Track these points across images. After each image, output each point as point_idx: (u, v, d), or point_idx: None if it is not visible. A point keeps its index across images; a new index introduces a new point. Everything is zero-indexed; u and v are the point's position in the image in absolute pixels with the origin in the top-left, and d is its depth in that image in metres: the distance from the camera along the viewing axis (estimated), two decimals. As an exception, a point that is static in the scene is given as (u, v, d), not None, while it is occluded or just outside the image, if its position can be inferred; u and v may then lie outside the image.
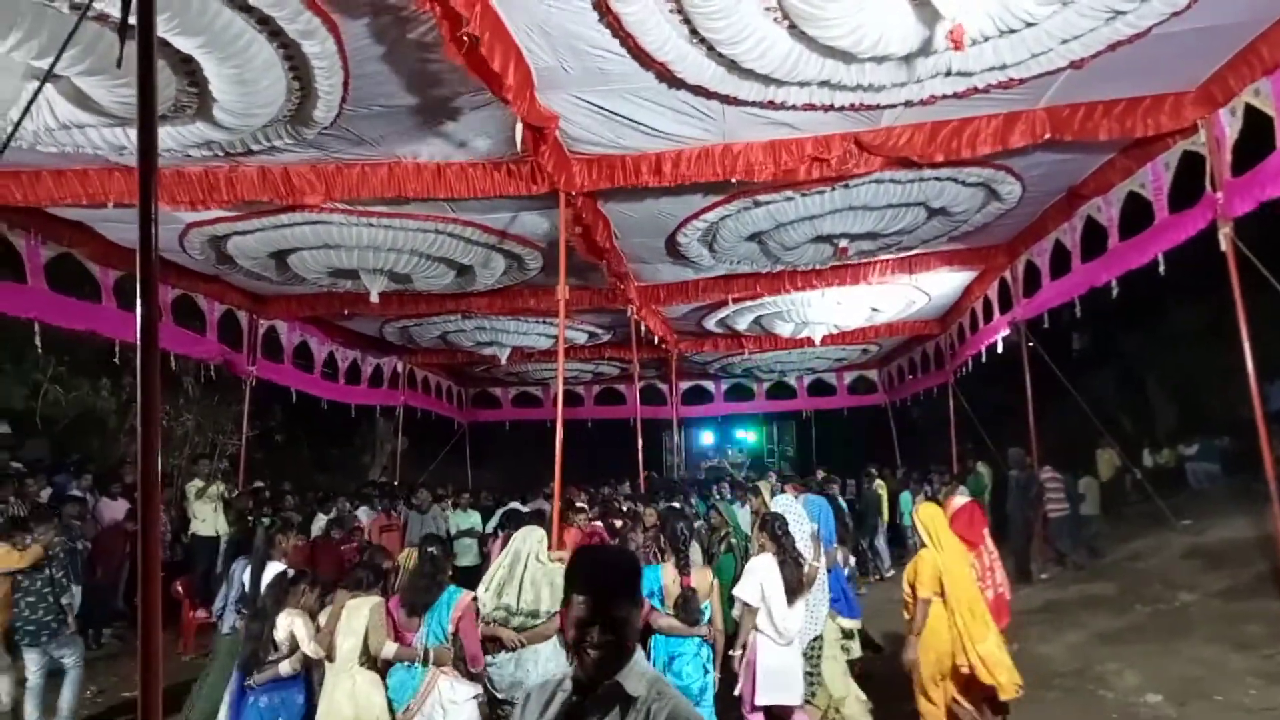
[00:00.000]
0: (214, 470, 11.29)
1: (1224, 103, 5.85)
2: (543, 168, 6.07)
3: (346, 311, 11.14)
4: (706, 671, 5.25)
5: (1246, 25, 5.25)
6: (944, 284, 11.46)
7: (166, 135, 5.63)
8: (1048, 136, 6.11)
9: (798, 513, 6.29)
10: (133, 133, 5.45)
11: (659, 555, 5.91)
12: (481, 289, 10.16)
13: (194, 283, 9.66)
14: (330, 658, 4.84)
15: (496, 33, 4.59)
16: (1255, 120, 5.64)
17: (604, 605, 1.92)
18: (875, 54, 5.07)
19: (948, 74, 5.50)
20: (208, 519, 10.04)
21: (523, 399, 19.55)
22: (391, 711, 4.79)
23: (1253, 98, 5.62)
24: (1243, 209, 5.96)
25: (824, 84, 5.57)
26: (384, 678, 4.89)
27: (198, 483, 10.19)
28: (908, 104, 5.92)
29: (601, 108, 5.83)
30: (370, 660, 4.84)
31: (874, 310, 12.58)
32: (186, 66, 4.80)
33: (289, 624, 4.91)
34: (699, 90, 5.62)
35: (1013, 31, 4.97)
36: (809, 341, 13.13)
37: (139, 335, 1.95)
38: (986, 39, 5.04)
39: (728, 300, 11.26)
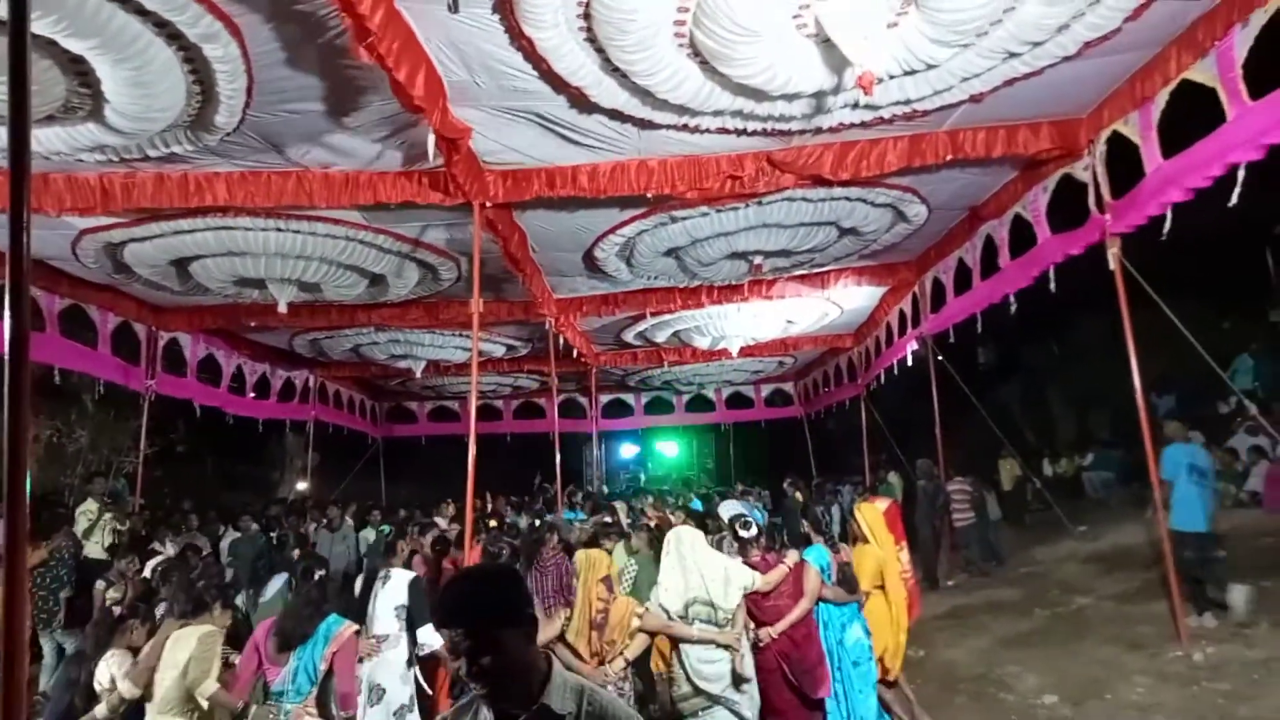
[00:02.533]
0: (107, 490, 10.75)
1: (1107, 129, 6.23)
2: (456, 179, 6.00)
3: (253, 323, 10.78)
4: (868, 634, 5.66)
5: (1126, 61, 5.61)
6: (856, 298, 11.75)
7: (55, 137, 5.38)
8: (950, 157, 6.37)
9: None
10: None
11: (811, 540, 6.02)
12: (395, 300, 9.97)
13: (86, 293, 9.19)
14: (147, 697, 4.21)
15: (407, 44, 4.53)
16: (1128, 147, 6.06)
17: (475, 632, 1.78)
18: (786, 92, 5.24)
19: (855, 106, 5.75)
20: (102, 542, 9.53)
21: (439, 413, 19.24)
22: None
23: (1122, 126, 6.03)
24: (1124, 228, 6.35)
25: (737, 113, 5.73)
26: None
27: (88, 513, 9.64)
28: (818, 130, 6.13)
29: (516, 122, 5.81)
30: (193, 705, 4.20)
31: (789, 323, 12.81)
32: (77, 66, 4.59)
33: (107, 667, 4.33)
34: (614, 114, 5.68)
35: (916, 72, 5.20)
36: (726, 354, 13.29)
37: (8, 350, 1.83)
38: (892, 77, 5.29)
39: (646, 313, 11.33)
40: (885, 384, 13.37)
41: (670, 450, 25.07)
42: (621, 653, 4.78)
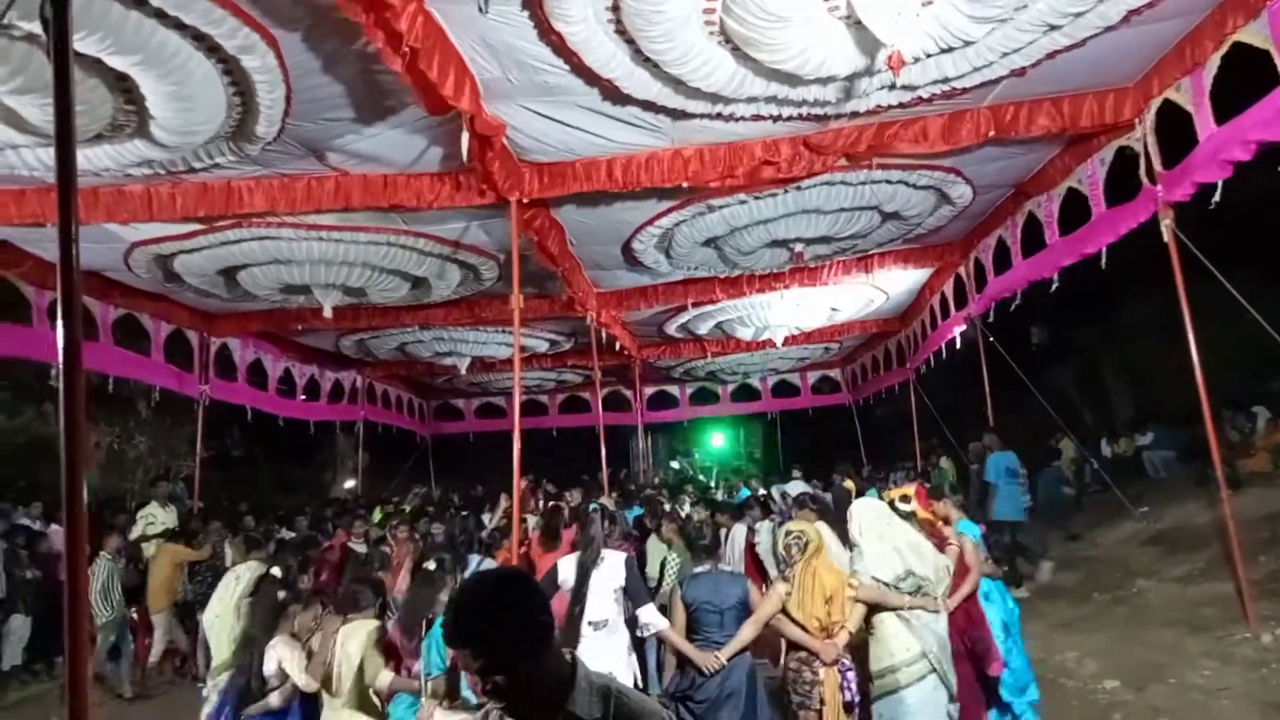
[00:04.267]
0: (169, 493, 11.04)
1: (1157, 98, 6.03)
2: (491, 176, 6.03)
3: (300, 327, 10.98)
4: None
5: (1174, 27, 5.43)
6: (901, 282, 11.59)
7: (105, 155, 5.53)
8: (992, 134, 6.22)
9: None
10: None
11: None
12: (438, 300, 10.08)
13: (139, 302, 9.46)
14: (328, 689, 4.36)
15: (439, 43, 4.56)
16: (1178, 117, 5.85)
17: (483, 652, 1.70)
18: (819, 76, 5.17)
19: (892, 87, 5.64)
20: (160, 544, 9.78)
21: (486, 409, 19.39)
22: None
23: (1174, 94, 5.83)
24: (1178, 197, 6.14)
25: (771, 99, 5.67)
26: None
27: (149, 517, 9.90)
28: (854, 114, 6.04)
29: (549, 117, 5.82)
30: (362, 694, 4.34)
31: (833, 310, 12.68)
32: (123, 84, 4.71)
33: (276, 655, 4.51)
34: (647, 105, 5.65)
35: (954, 49, 5.09)
36: (770, 343, 13.19)
37: (61, 358, 1.88)
38: (929, 56, 5.17)
39: (687, 305, 11.29)
40: (935, 368, 13.15)
41: (717, 441, 24.99)
42: (844, 625, 4.68)
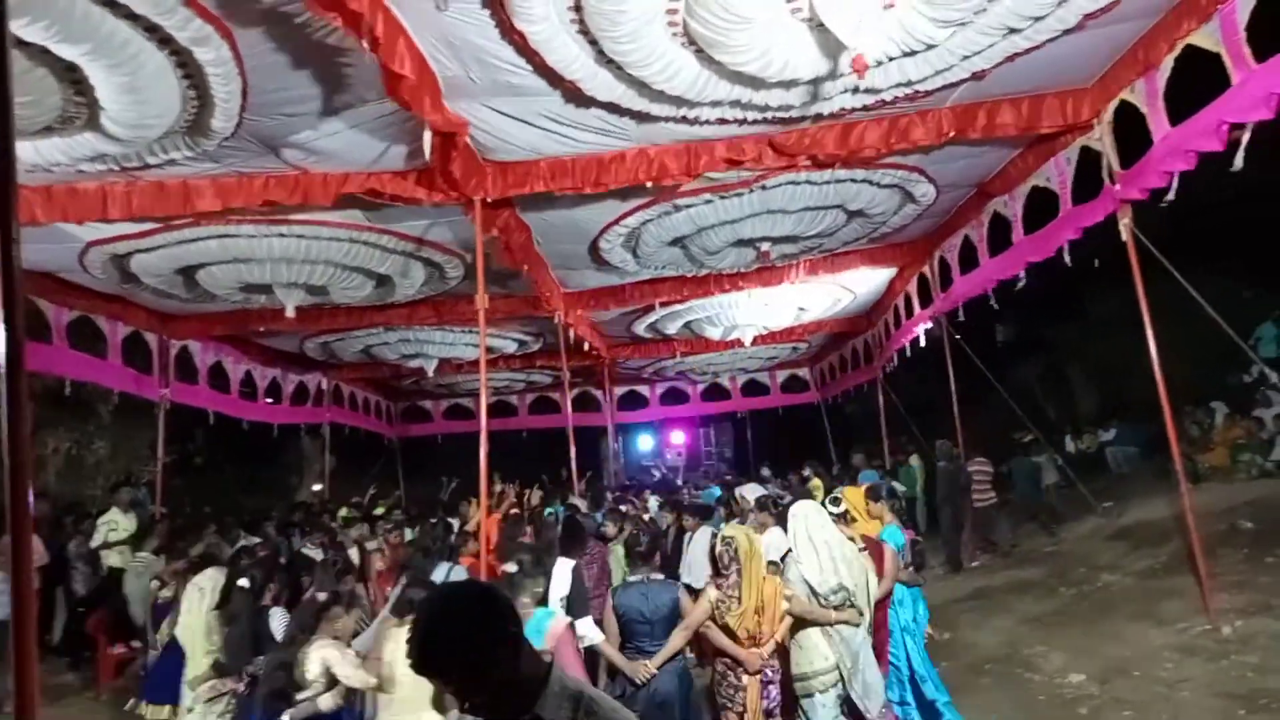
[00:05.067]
0: (132, 499, 10.80)
1: (1115, 99, 6.11)
2: (453, 176, 5.95)
3: (263, 328, 10.80)
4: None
5: (1129, 29, 5.51)
6: (868, 281, 11.65)
7: (55, 148, 5.39)
8: (953, 134, 6.27)
9: None
10: (23, 146, 5.22)
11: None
12: (402, 300, 9.96)
13: (95, 303, 9.23)
14: (384, 689, 4.28)
15: (397, 39, 4.48)
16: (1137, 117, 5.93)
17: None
18: (783, 79, 5.19)
19: (856, 90, 5.68)
20: (123, 552, 9.58)
21: (454, 411, 19.22)
22: None
23: (1129, 95, 5.91)
24: (1134, 196, 6.24)
25: (735, 103, 5.69)
26: None
27: (111, 523, 9.68)
28: (818, 116, 6.06)
29: (513, 117, 5.77)
30: (426, 694, 4.19)
31: (801, 309, 12.72)
32: (71, 75, 4.58)
33: (321, 657, 4.42)
34: (611, 107, 5.63)
35: (916, 52, 5.12)
36: (739, 343, 13.21)
37: (4, 364, 1.80)
38: (891, 59, 5.22)
39: (655, 305, 11.27)
40: (903, 366, 13.24)
41: (687, 440, 24.99)
42: (773, 634, 4.79)
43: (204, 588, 5.97)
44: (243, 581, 5.63)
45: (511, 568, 4.86)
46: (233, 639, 5.48)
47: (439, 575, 5.94)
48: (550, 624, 4.35)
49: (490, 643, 1.73)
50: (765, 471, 13.14)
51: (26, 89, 4.51)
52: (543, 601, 4.76)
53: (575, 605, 5.11)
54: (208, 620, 5.79)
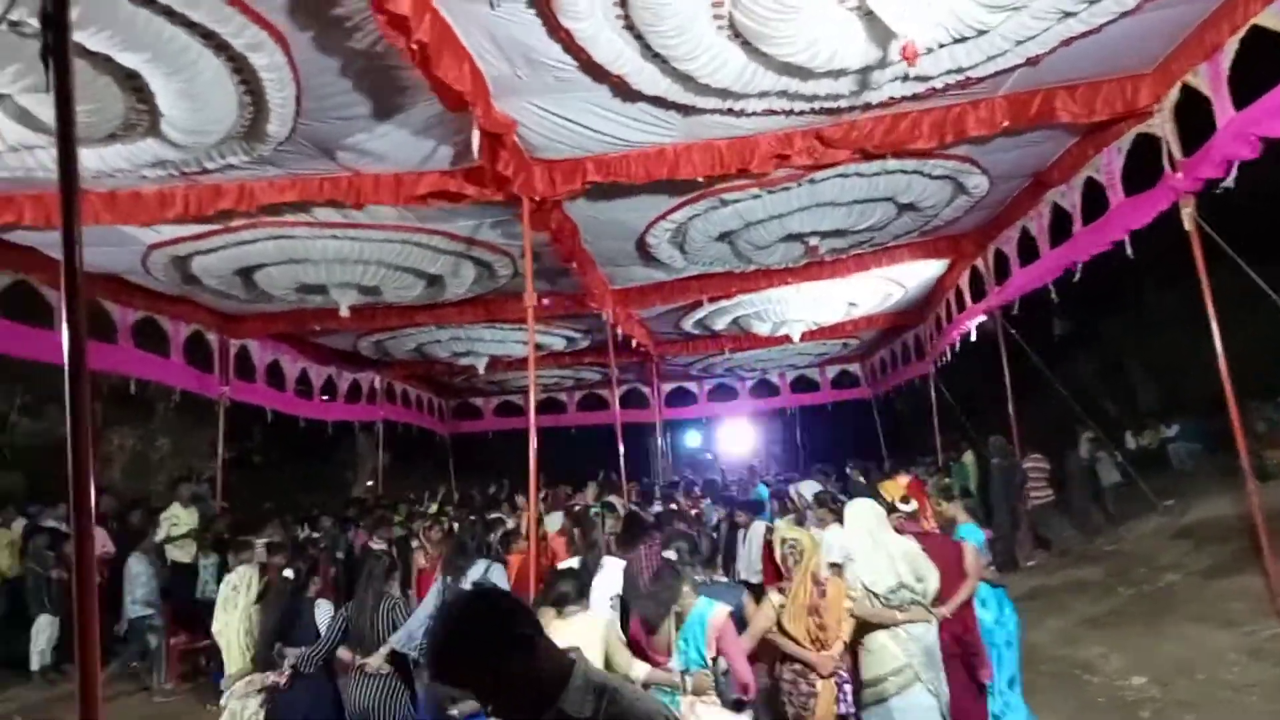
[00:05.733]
0: (193, 495, 11.13)
1: (1176, 84, 5.92)
2: (502, 175, 6.00)
3: (318, 327, 11.02)
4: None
5: (1191, 11, 5.32)
6: (918, 275, 11.47)
7: (118, 155, 5.56)
8: (1006, 123, 6.13)
9: None
10: (88, 153, 5.41)
11: None
12: (453, 298, 10.09)
13: (159, 304, 9.52)
14: None
15: (446, 40, 4.53)
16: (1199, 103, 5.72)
17: (462, 686, 1.83)
18: (831, 69, 5.12)
19: (905, 79, 5.56)
20: (185, 546, 9.88)
21: (505, 408, 19.40)
22: None
23: (1192, 79, 5.70)
24: (1197, 185, 6.04)
25: (782, 94, 5.63)
26: None
27: (172, 518, 9.99)
28: (868, 106, 5.98)
29: (559, 115, 5.79)
30: None
31: (851, 304, 12.59)
32: (133, 83, 4.72)
33: None
34: (657, 101, 5.62)
35: (967, 39, 5.02)
36: (788, 339, 13.11)
37: (66, 361, 1.87)
38: (942, 46, 5.11)
39: (703, 300, 11.25)
40: (957, 361, 12.98)
41: (736, 437, 24.90)
42: (839, 636, 4.70)
43: (238, 585, 6.00)
44: (287, 572, 5.72)
45: (671, 554, 4.78)
46: (269, 630, 5.53)
47: (476, 573, 5.96)
48: (711, 615, 4.26)
49: (500, 647, 1.77)
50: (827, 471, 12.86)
51: (91, 98, 4.66)
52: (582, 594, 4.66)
53: (630, 604, 5.03)
54: (249, 615, 5.86)
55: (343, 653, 5.39)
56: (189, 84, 4.67)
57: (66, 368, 1.86)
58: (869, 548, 4.82)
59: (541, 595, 4.57)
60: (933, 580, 4.83)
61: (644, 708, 1.86)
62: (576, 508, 9.14)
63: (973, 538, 5.72)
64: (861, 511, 5.09)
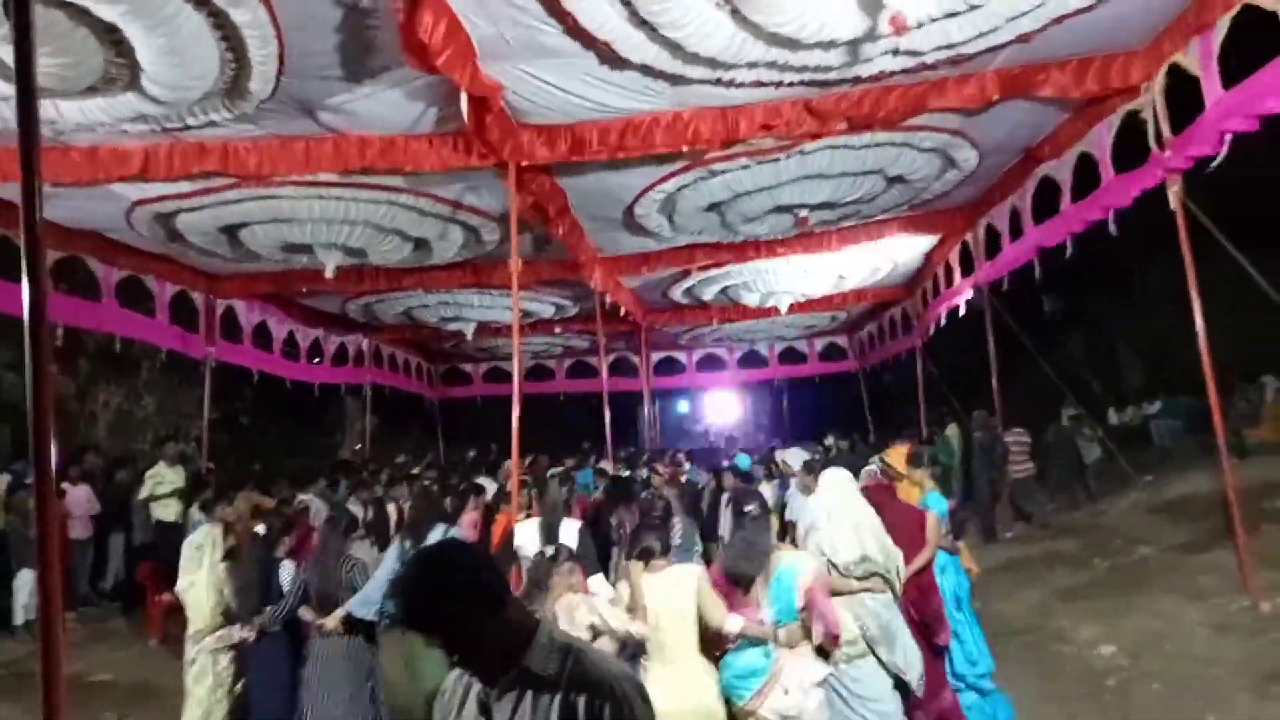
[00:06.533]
0: (178, 454, 11.13)
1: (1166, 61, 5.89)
2: (489, 139, 5.96)
3: (305, 289, 10.96)
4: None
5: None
6: (908, 249, 11.47)
7: (98, 108, 5.48)
8: (996, 98, 6.11)
9: None
10: (63, 104, 5.34)
11: None
12: (440, 262, 10.05)
13: (144, 262, 9.43)
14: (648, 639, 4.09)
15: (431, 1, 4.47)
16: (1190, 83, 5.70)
17: (431, 631, 1.82)
18: (821, 40, 5.08)
19: (896, 53, 5.54)
20: (170, 504, 9.90)
21: (494, 374, 19.38)
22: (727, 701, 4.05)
23: (1182, 57, 5.67)
24: (1184, 164, 6.03)
25: (771, 65, 5.59)
26: None
27: (156, 476, 9.99)
28: (857, 79, 5.94)
29: (546, 81, 5.73)
30: (689, 642, 4.06)
31: (840, 277, 12.58)
32: (112, 36, 4.65)
33: (588, 609, 4.08)
34: (645, 69, 5.58)
35: (959, 14, 4.99)
36: (776, 310, 13.12)
37: (26, 316, 1.87)
38: (933, 20, 5.07)
39: (692, 270, 11.22)
40: (944, 336, 13.04)
41: (724, 407, 25.01)
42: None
43: (203, 545, 6.03)
44: (259, 528, 5.74)
45: (754, 508, 4.82)
46: (243, 587, 5.56)
47: (434, 536, 5.97)
48: (801, 569, 4.23)
49: (470, 597, 1.81)
50: (829, 441, 12.89)
51: (68, 49, 4.60)
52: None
53: (586, 565, 5.01)
54: (217, 573, 5.87)
55: (304, 613, 5.41)
56: (169, 39, 4.61)
57: (27, 321, 1.85)
58: (835, 518, 4.87)
59: (628, 549, 4.54)
60: (898, 556, 4.90)
61: (609, 669, 1.90)
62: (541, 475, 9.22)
63: (937, 506, 5.84)
64: (832, 481, 5.14)
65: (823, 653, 4.27)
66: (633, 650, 4.15)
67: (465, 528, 5.74)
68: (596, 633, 4.03)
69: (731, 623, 3.98)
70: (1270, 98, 5.04)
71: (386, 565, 5.40)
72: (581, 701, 1.79)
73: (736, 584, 4.19)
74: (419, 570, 1.93)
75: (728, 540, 4.77)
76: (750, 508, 4.57)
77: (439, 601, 1.80)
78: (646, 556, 4.24)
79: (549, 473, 8.26)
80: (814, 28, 4.91)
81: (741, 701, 3.96)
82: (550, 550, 4.75)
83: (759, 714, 3.98)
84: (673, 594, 4.06)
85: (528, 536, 5.44)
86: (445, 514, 6.03)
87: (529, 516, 6.06)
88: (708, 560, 6.19)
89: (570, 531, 5.38)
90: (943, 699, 5.16)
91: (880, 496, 5.43)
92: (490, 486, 8.54)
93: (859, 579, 4.75)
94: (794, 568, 4.25)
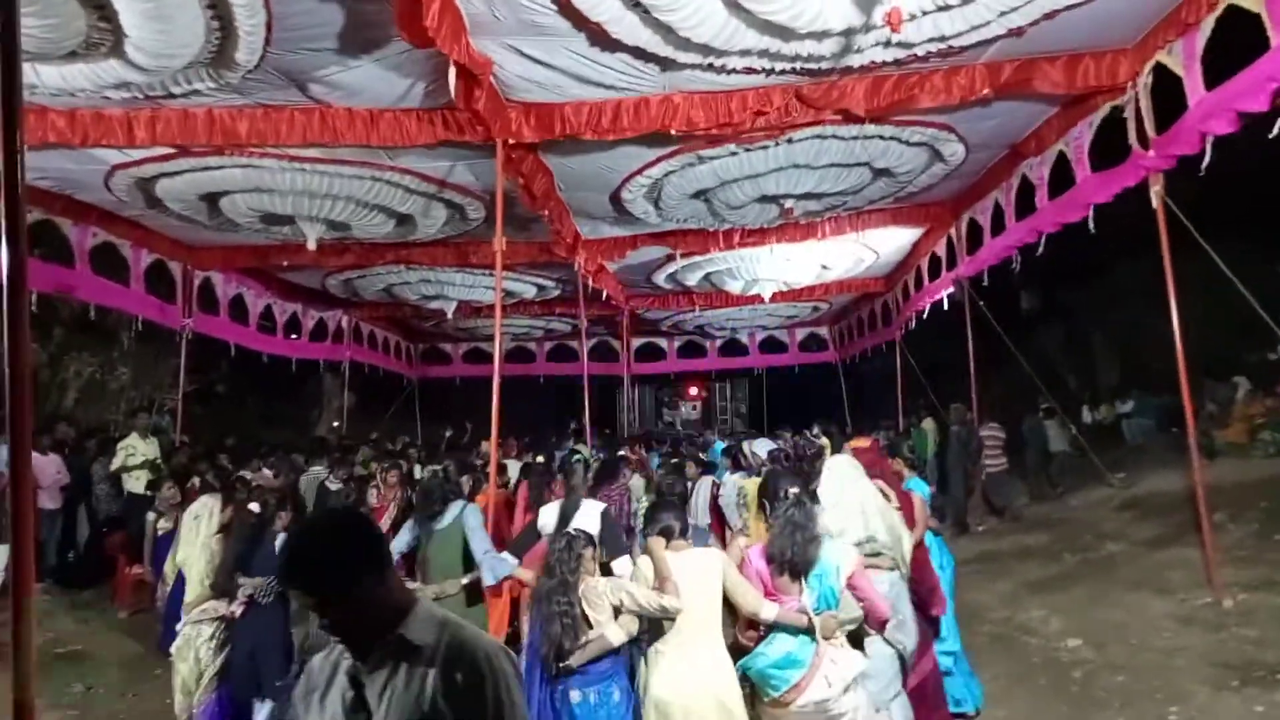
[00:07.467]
0: (153, 426, 11.02)
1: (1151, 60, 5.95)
2: (478, 115, 5.91)
3: (285, 262, 10.84)
4: None
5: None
6: (892, 241, 11.53)
7: (80, 74, 5.39)
8: (986, 91, 6.14)
9: None
10: (43, 69, 5.25)
11: None
12: (424, 239, 9.98)
13: (119, 228, 9.27)
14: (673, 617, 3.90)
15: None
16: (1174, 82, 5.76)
17: (311, 592, 1.82)
18: (813, 30, 5.09)
19: (888, 44, 5.56)
20: (141, 477, 9.81)
21: (474, 355, 19.32)
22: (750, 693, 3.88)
23: (1165, 57, 5.74)
24: (1166, 163, 6.11)
25: (764, 53, 5.60)
26: None
27: (129, 448, 9.89)
28: (848, 70, 5.95)
29: (537, 59, 5.71)
30: (712, 624, 3.92)
31: (823, 268, 12.62)
32: (96, 0, 4.58)
33: (612, 589, 3.97)
34: (637, 52, 5.55)
35: (951, 7, 5.02)
36: (759, 299, 13.14)
37: (4, 284, 1.83)
38: (925, 14, 5.10)
39: (676, 255, 11.21)
40: (923, 329, 13.14)
41: (703, 394, 25.05)
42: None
43: (200, 515, 5.96)
44: (254, 505, 5.70)
45: (794, 491, 4.53)
46: (229, 560, 5.49)
47: (452, 514, 5.97)
48: (844, 557, 4.01)
49: (356, 563, 1.83)
50: (817, 430, 12.92)
51: (51, 12, 4.52)
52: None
53: (609, 546, 4.93)
54: (209, 546, 5.81)
55: None
56: (154, 5, 4.54)
57: (5, 286, 1.82)
58: (837, 499, 4.82)
59: (647, 525, 4.37)
60: (908, 539, 4.91)
61: (484, 642, 1.93)
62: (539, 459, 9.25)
63: (920, 489, 5.94)
64: (837, 465, 5.15)
65: (856, 642, 4.07)
66: (642, 632, 4.05)
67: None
68: (617, 612, 3.92)
69: (768, 610, 3.78)
70: (1250, 98, 5.09)
71: (400, 540, 5.45)
72: (458, 673, 1.82)
73: (793, 574, 3.88)
74: (311, 532, 1.99)
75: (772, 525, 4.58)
76: (793, 490, 4.21)
77: (324, 564, 1.81)
78: (668, 535, 4.08)
79: (574, 457, 8.24)
80: (808, 17, 4.93)
81: (777, 693, 3.74)
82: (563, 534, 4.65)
83: (791, 708, 3.75)
84: (696, 576, 3.92)
85: (550, 518, 5.41)
86: (461, 492, 6.06)
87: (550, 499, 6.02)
88: None
89: (592, 513, 5.36)
90: (924, 664, 5.26)
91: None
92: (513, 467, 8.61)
93: (866, 558, 4.76)
94: (844, 554, 4.03)
